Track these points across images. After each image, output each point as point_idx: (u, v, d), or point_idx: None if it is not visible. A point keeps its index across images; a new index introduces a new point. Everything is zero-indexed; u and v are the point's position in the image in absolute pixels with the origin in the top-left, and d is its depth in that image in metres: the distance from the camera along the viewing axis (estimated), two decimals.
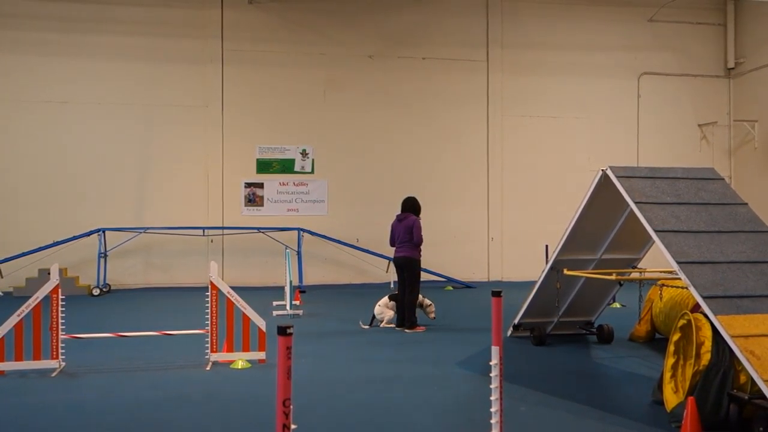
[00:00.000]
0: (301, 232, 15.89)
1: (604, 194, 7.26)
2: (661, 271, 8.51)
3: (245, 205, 16.51)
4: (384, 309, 10.07)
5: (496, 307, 4.08)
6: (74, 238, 14.82)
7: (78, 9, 15.85)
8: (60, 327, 7.00)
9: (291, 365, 2.63)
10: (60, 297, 7.01)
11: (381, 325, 9.96)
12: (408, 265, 9.82)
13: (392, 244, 10.08)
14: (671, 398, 5.36)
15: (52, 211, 15.49)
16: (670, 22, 18.13)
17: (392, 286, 14.62)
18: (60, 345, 7.04)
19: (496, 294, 4.12)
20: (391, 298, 10.14)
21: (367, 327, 9.95)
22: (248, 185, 16.53)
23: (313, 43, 16.77)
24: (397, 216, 10.08)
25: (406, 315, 9.72)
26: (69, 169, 15.72)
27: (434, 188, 16.98)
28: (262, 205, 16.56)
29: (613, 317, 10.01)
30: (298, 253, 15.66)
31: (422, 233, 9.90)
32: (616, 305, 11.90)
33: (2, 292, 14.40)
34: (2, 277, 14.24)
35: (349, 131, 16.89)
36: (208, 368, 7.19)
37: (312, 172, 16.78)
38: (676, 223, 6.12)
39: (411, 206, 10.09)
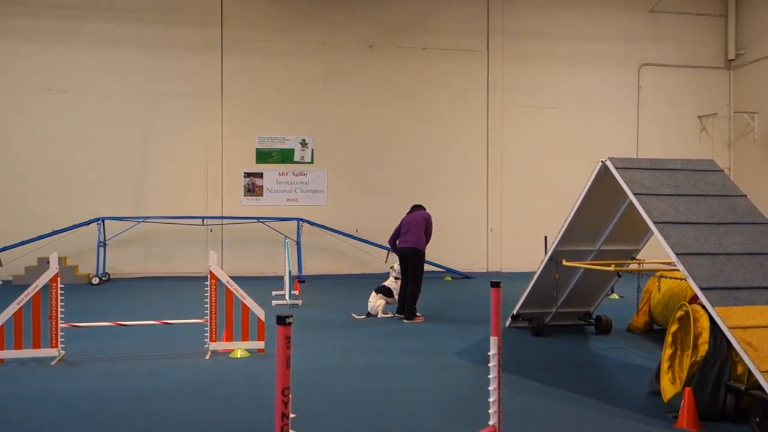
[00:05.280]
0: (301, 222, 15.89)
1: (604, 185, 7.26)
2: (659, 263, 8.53)
3: (245, 195, 16.50)
4: (374, 301, 10.10)
5: (495, 298, 4.09)
6: (74, 227, 14.82)
7: None
8: (59, 316, 7.02)
9: (290, 355, 2.64)
10: (59, 286, 7.03)
11: (378, 316, 9.98)
12: (414, 255, 9.80)
13: (394, 238, 10.10)
14: (668, 389, 5.38)
15: (52, 200, 15.49)
16: (670, 13, 18.09)
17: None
18: (59, 333, 7.06)
19: (495, 285, 4.13)
20: (377, 291, 10.18)
21: (362, 317, 9.97)
22: (248, 175, 16.52)
23: (314, 32, 16.71)
24: (408, 212, 10.22)
25: (406, 306, 9.73)
26: (68, 158, 15.71)
27: (434, 178, 16.99)
28: (261, 195, 16.55)
29: (611, 308, 10.04)
30: (298, 243, 15.67)
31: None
32: (615, 296, 11.92)
33: (2, 281, 14.41)
34: (2, 266, 14.25)
35: (349, 121, 16.86)
36: (207, 357, 7.21)
37: (312, 162, 16.76)
38: (675, 214, 6.12)
39: (420, 207, 10.31)
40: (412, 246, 9.80)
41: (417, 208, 10.26)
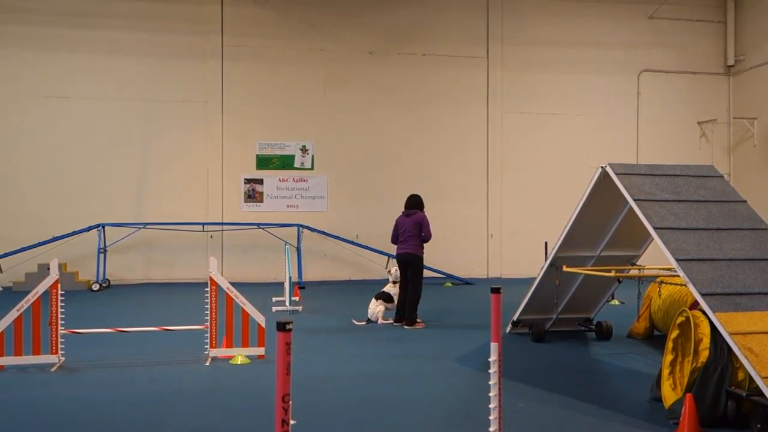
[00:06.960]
0: (301, 228, 15.89)
1: (604, 191, 7.26)
2: (659, 269, 8.52)
3: (245, 201, 16.51)
4: (374, 307, 10.08)
5: (495, 304, 4.09)
6: (74, 233, 14.83)
7: (78, 4, 15.84)
8: (59, 322, 7.02)
9: (290, 361, 2.63)
10: (59, 292, 7.02)
11: (378, 322, 9.97)
12: (412, 262, 9.76)
13: (394, 240, 10.04)
14: (669, 395, 5.37)
15: (52, 206, 15.50)
16: (670, 19, 18.14)
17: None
18: (59, 340, 7.06)
19: (496, 290, 4.13)
20: (377, 297, 10.16)
21: (362, 323, 9.96)
22: (248, 181, 16.53)
23: (314, 39, 16.76)
24: (404, 212, 10.02)
25: (407, 312, 9.71)
26: (69, 165, 15.73)
27: (434, 184, 16.99)
28: (261, 201, 16.56)
29: (611, 314, 10.03)
30: (298, 249, 15.67)
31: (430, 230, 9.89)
32: (615, 302, 11.91)
33: (2, 287, 14.40)
34: (2, 272, 14.24)
35: (349, 127, 16.89)
36: (207, 364, 7.20)
37: (312, 168, 16.78)
38: (675, 220, 6.12)
39: (417, 203, 10.01)
40: (410, 252, 9.76)
41: (411, 205, 9.99)
